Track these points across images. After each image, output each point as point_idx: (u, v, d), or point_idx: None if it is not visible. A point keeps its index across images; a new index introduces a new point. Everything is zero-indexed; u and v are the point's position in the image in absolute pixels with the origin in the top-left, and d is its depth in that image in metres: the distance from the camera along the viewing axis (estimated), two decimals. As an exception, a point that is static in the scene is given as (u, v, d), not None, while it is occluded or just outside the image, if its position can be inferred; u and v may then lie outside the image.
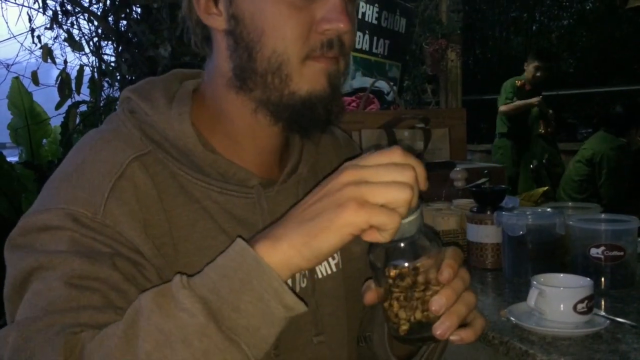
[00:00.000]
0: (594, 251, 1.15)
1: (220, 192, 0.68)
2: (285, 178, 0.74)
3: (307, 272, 0.74)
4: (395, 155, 0.52)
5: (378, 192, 0.50)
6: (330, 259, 0.78)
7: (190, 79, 0.76)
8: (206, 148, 0.68)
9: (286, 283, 0.51)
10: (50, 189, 0.64)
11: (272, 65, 0.64)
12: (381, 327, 0.76)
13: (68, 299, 0.54)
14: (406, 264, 0.56)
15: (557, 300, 0.97)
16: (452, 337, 0.57)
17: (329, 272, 0.78)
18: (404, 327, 0.57)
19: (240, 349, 0.49)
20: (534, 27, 9.73)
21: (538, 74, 4.33)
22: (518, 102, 4.28)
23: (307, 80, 0.65)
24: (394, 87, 2.57)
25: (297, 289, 0.73)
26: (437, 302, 0.55)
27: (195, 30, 0.71)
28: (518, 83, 4.37)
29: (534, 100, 4.27)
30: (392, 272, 0.56)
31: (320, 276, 0.76)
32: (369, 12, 2.66)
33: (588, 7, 9.10)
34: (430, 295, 0.56)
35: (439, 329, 0.56)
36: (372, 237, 0.52)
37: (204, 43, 0.71)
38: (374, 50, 2.70)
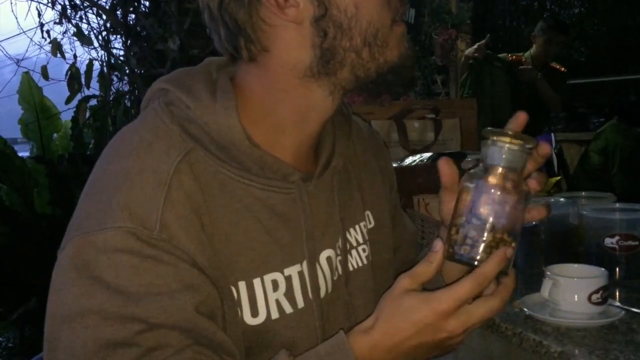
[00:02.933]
0: (608, 241, 1.14)
1: (262, 189, 0.67)
2: (322, 171, 0.73)
3: (340, 264, 0.74)
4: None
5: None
6: (361, 251, 0.78)
7: (224, 67, 0.73)
8: (250, 143, 0.66)
9: None
10: (99, 201, 0.61)
11: (369, 37, 0.65)
12: None
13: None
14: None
15: (571, 291, 0.96)
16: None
17: (361, 264, 0.78)
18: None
19: None
20: (544, 16, 9.61)
21: (551, 50, 3.40)
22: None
23: (396, 45, 0.68)
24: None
25: (332, 281, 0.73)
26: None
27: (239, 33, 0.65)
28: (510, 57, 3.43)
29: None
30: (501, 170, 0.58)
31: (352, 268, 0.76)
32: (378, 2, 2.64)
33: (600, -5, 8.98)
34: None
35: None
36: None
37: (254, 44, 0.66)
38: (383, 41, 2.68)
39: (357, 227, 0.78)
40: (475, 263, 0.59)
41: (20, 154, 3.66)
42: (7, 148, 3.49)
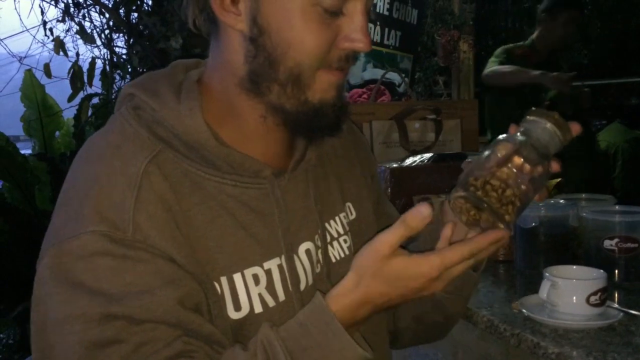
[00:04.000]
0: (607, 243, 1.14)
1: (235, 185, 0.68)
2: (295, 165, 0.74)
3: (322, 256, 0.75)
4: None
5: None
6: (342, 242, 0.79)
7: (192, 68, 0.74)
8: (217, 142, 0.67)
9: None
10: (71, 209, 0.62)
11: (292, 75, 0.65)
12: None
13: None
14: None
15: (569, 293, 0.96)
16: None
17: (343, 255, 0.78)
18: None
19: None
20: None
21: (561, 32, 2.70)
22: (518, 69, 2.60)
23: (320, 90, 0.67)
24: (406, 79, 2.55)
25: (313, 275, 0.73)
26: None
27: (197, 15, 0.69)
28: (518, 51, 2.86)
29: (564, 78, 2.45)
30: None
31: (334, 260, 0.77)
32: (381, 3, 2.64)
33: (603, -3, 8.97)
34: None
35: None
36: None
37: (207, 26, 0.69)
38: (386, 42, 2.69)
39: (336, 218, 0.79)
40: (484, 205, 0.61)
41: (22, 152, 3.67)
42: (10, 145, 3.50)
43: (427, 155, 1.74)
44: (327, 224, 0.77)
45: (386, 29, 2.68)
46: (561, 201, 1.32)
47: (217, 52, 0.70)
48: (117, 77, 3.34)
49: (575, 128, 0.65)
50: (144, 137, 0.65)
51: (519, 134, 0.64)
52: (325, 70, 0.66)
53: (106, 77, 3.39)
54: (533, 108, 0.65)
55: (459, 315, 0.90)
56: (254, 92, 0.68)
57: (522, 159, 0.61)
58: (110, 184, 0.62)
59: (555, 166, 0.65)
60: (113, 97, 3.31)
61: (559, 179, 1.99)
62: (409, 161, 1.72)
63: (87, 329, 0.57)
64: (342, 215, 0.80)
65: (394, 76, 2.46)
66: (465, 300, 0.85)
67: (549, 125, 0.63)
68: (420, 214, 0.59)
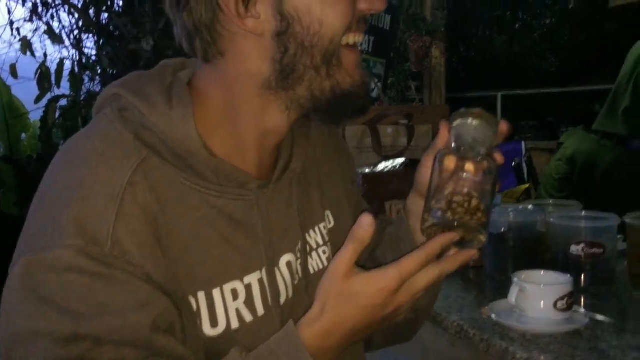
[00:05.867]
0: (574, 248, 1.16)
1: (219, 196, 0.66)
2: (280, 175, 0.72)
3: (300, 268, 0.74)
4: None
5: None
6: (321, 253, 0.78)
7: (179, 69, 0.71)
8: (207, 151, 0.65)
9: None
10: (48, 216, 0.59)
11: (328, 54, 0.64)
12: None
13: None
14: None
15: (537, 298, 0.97)
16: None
17: (322, 266, 0.77)
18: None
19: None
20: (517, 26, 9.80)
21: None
22: None
23: (349, 69, 0.67)
24: (379, 84, 2.57)
25: (293, 287, 0.72)
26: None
27: (196, 34, 0.64)
28: None
29: None
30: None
31: (312, 271, 0.76)
32: (354, 8, 2.65)
33: (570, 6, 9.19)
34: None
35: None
36: None
37: (211, 47, 0.64)
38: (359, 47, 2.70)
39: (316, 228, 0.78)
40: (455, 223, 0.62)
41: (-14, 154, 3.58)
42: (-26, 147, 3.41)
43: (400, 160, 1.75)
44: (307, 234, 0.76)
45: (359, 35, 2.69)
46: (529, 207, 1.34)
47: (222, 64, 0.66)
48: (86, 79, 3.28)
49: (504, 126, 0.66)
50: (129, 142, 0.62)
51: (453, 142, 0.65)
52: (347, 49, 0.66)
53: (75, 79, 3.32)
54: (454, 113, 0.67)
55: (429, 310, 0.90)
56: (282, 89, 0.66)
57: (468, 163, 0.62)
58: (91, 194, 0.58)
59: (498, 157, 0.65)
60: (82, 98, 3.25)
61: (527, 185, 2.03)
62: (381, 166, 1.73)
63: (53, 347, 0.55)
64: (322, 225, 0.79)
65: (366, 81, 2.46)
66: (434, 294, 0.84)
67: (475, 122, 0.64)
68: (362, 224, 0.59)
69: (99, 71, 3.14)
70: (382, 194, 1.57)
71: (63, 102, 3.45)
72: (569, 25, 8.84)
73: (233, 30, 0.63)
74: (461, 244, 0.64)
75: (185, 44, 0.66)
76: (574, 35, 8.65)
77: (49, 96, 3.38)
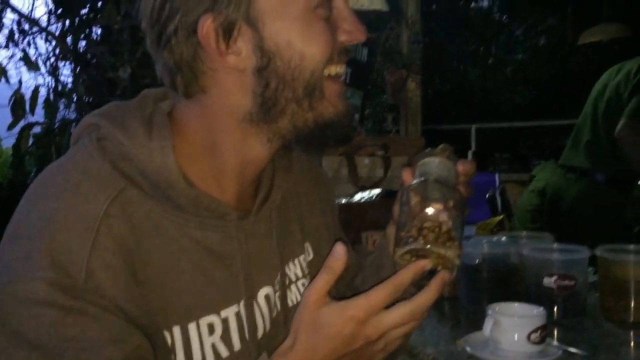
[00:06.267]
0: (546, 280, 1.17)
1: (198, 228, 0.65)
2: (260, 206, 0.72)
3: (279, 301, 0.73)
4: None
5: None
6: (300, 286, 0.77)
7: (161, 100, 0.71)
8: (186, 182, 0.65)
9: None
10: (21, 247, 0.58)
11: (310, 86, 0.65)
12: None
13: None
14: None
15: (511, 330, 0.98)
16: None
17: (300, 298, 0.76)
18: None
19: None
20: (490, 61, 10.07)
21: None
22: None
23: (331, 100, 0.67)
24: (356, 115, 2.59)
25: (271, 321, 0.71)
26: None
27: (177, 72, 0.64)
28: None
29: None
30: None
31: (291, 304, 0.75)
32: (331, 41, 2.69)
33: (541, 43, 9.50)
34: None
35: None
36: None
37: (192, 84, 0.65)
38: (336, 79, 2.73)
39: (296, 260, 0.78)
40: (427, 246, 0.62)
41: (-44, 180, 3.49)
42: (-57, 173, 3.32)
43: (376, 191, 1.77)
44: (286, 267, 0.76)
45: (337, 67, 2.73)
46: (503, 239, 1.36)
47: (204, 98, 0.66)
48: (61, 106, 3.24)
49: (467, 166, 0.68)
50: (107, 172, 0.61)
51: (421, 177, 0.67)
52: (330, 80, 0.66)
53: (49, 106, 3.28)
54: (419, 154, 0.69)
55: (405, 344, 0.89)
56: (264, 122, 0.66)
57: (435, 196, 0.63)
58: (66, 225, 0.58)
59: (462, 189, 0.67)
60: (56, 126, 3.21)
61: (501, 216, 2.05)
62: (357, 197, 1.74)
63: None
64: (301, 257, 0.79)
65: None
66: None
67: (437, 160, 0.67)
68: (335, 253, 0.59)
69: (75, 99, 3.11)
70: (358, 224, 1.57)
71: (37, 129, 3.40)
72: (540, 61, 9.11)
73: (214, 67, 0.64)
74: (433, 274, 0.64)
75: (167, 81, 0.66)
76: (545, 70, 8.91)
77: (22, 123, 3.33)
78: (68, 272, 0.56)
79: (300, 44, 0.63)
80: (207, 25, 0.61)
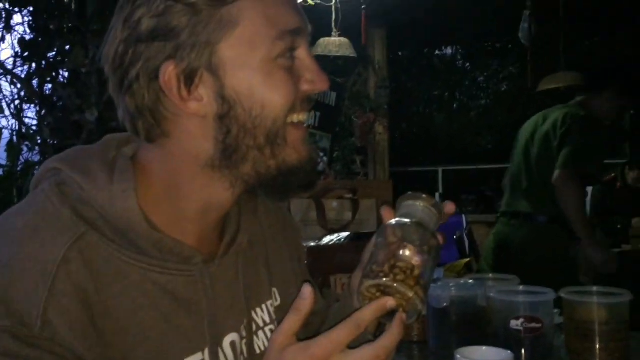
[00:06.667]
0: (513, 323, 1.18)
1: (161, 273, 0.64)
2: (226, 250, 0.71)
3: (246, 347, 0.71)
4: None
5: None
6: (268, 332, 0.76)
7: (124, 144, 0.71)
8: (149, 226, 0.64)
9: None
10: None
11: (271, 134, 0.65)
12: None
13: None
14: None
15: (480, 374, 0.97)
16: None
17: (267, 345, 0.75)
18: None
19: None
20: (454, 105, 10.38)
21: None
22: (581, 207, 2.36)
23: (294, 146, 0.67)
24: (324, 158, 2.62)
25: None
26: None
27: (139, 117, 0.64)
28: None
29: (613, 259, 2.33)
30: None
31: (258, 351, 0.73)
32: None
33: (503, 89, 9.86)
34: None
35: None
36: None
37: (154, 128, 0.65)
38: (305, 122, 2.77)
39: (263, 306, 0.77)
40: (395, 285, 0.61)
41: None
42: None
43: (344, 234, 1.77)
44: (253, 312, 0.74)
45: (305, 110, 2.77)
46: (470, 281, 1.37)
47: (166, 143, 0.66)
48: (25, 149, 3.18)
49: (449, 207, 0.70)
50: (66, 217, 0.60)
51: (402, 218, 0.68)
52: (293, 126, 0.66)
53: (13, 149, 3.22)
54: (404, 195, 0.71)
55: None
56: (225, 167, 0.65)
57: (413, 239, 0.64)
58: (22, 272, 0.56)
59: (441, 238, 0.67)
60: (19, 169, 3.14)
61: (468, 259, 2.08)
62: (326, 240, 1.73)
63: None
64: (268, 302, 0.78)
65: (312, 155, 2.51)
66: None
67: (422, 205, 0.68)
68: (301, 295, 0.59)
69: (39, 141, 3.06)
70: (327, 267, 1.56)
71: (-1, 172, 3.32)
72: (502, 106, 9.43)
73: (176, 112, 0.64)
74: (393, 315, 0.63)
75: (129, 126, 0.66)
76: (507, 115, 9.21)
77: (-17, 165, 3.25)
78: (23, 321, 0.54)
79: (262, 93, 0.64)
80: (169, 72, 0.61)
